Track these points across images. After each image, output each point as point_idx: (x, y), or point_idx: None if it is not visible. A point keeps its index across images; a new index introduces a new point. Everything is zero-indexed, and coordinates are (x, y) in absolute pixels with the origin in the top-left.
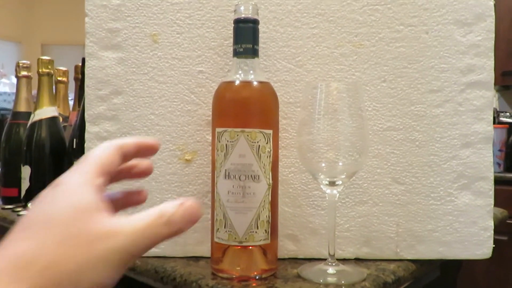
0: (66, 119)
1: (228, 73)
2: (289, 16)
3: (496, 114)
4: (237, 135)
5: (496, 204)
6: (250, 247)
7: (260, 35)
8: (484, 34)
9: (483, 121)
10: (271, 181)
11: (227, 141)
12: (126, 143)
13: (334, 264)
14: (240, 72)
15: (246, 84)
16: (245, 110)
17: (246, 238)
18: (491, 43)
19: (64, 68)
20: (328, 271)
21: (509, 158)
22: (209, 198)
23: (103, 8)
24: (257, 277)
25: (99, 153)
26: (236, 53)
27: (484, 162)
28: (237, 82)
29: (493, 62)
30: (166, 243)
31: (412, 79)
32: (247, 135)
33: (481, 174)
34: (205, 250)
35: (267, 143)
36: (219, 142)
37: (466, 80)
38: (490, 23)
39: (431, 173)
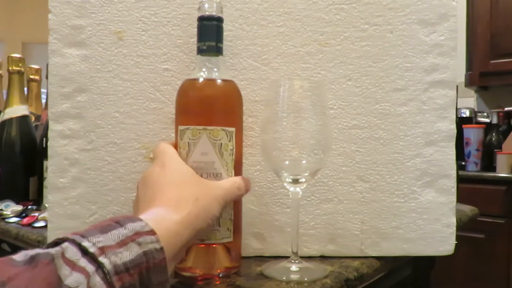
0: (38, 118)
1: (192, 71)
2: (255, 14)
3: (474, 114)
4: (199, 133)
5: (474, 202)
6: (213, 245)
7: (226, 33)
8: (447, 34)
9: (446, 120)
10: None
11: (189, 139)
12: None
13: (297, 261)
14: (204, 69)
15: (210, 82)
16: (207, 108)
17: (208, 236)
18: (454, 43)
19: (36, 66)
20: (291, 269)
21: (486, 158)
22: None
23: (67, 5)
24: (220, 275)
25: None
26: (200, 51)
27: (447, 160)
28: (201, 80)
29: (456, 61)
30: None
31: (377, 77)
32: (209, 133)
33: (444, 172)
34: None
35: (229, 140)
36: (181, 140)
37: (430, 79)
38: (453, 23)
39: (395, 171)
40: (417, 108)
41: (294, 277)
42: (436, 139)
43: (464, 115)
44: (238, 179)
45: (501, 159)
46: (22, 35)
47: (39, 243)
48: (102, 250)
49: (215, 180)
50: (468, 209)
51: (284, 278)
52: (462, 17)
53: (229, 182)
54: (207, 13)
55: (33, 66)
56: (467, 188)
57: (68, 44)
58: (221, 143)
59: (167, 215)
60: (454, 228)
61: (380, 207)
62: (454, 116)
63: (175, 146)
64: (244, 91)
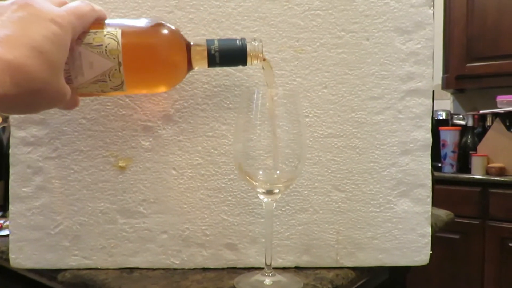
0: (6, 119)
1: None
2: (229, 18)
3: (450, 116)
4: (114, 59)
5: (449, 203)
6: None
7: (198, 37)
8: (423, 42)
9: (422, 129)
10: None
11: (106, 46)
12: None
13: (270, 274)
14: None
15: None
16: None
17: None
18: (430, 51)
19: None
20: (264, 282)
21: (462, 159)
22: (144, 206)
23: None
24: None
25: None
26: None
27: (423, 170)
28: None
29: (431, 70)
30: (97, 254)
31: (353, 85)
32: (115, 70)
33: (420, 181)
34: (139, 261)
35: (111, 88)
36: (103, 35)
37: (406, 87)
38: (429, 31)
39: (371, 180)
40: (393, 117)
41: None
42: (412, 148)
43: (441, 117)
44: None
45: (476, 161)
46: None
47: (2, 253)
48: None
49: None
50: (444, 213)
51: None
52: (439, 21)
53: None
54: None
55: None
56: (443, 189)
57: None
58: (106, 82)
59: None
60: (430, 238)
61: (355, 217)
62: (430, 125)
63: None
64: (217, 98)
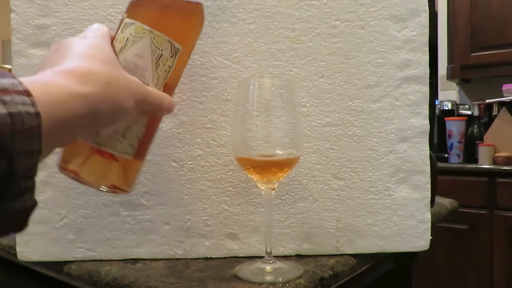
0: None
1: None
2: (225, 11)
3: (456, 106)
4: (144, 33)
5: (456, 194)
6: (108, 156)
7: None
8: (418, 29)
9: (419, 115)
10: None
11: (131, 34)
12: None
13: (271, 261)
14: None
15: None
16: (164, 10)
17: (106, 143)
18: (425, 38)
19: (9, 66)
20: (265, 269)
21: (468, 150)
22: (146, 198)
23: (30, 3)
24: (103, 189)
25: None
26: None
27: (421, 156)
28: None
29: (427, 57)
30: (102, 246)
31: (349, 74)
32: (154, 38)
33: (418, 167)
34: (142, 252)
35: (171, 56)
36: (122, 33)
37: (402, 75)
38: (424, 18)
39: (369, 168)
40: (390, 104)
41: (268, 278)
42: (409, 135)
43: (446, 108)
44: (165, 94)
45: (482, 151)
46: (1, 34)
47: (11, 249)
48: None
49: None
50: (447, 202)
51: (258, 279)
52: (443, 11)
53: (154, 89)
54: None
55: (6, 66)
56: (449, 180)
57: (32, 44)
58: (162, 54)
59: (65, 85)
60: (429, 224)
61: (355, 205)
62: (427, 112)
63: (112, 39)
64: (215, 90)
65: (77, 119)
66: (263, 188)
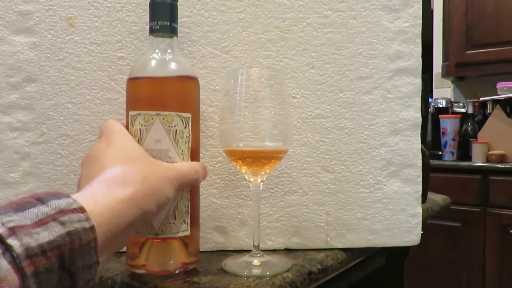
0: None
1: (145, 52)
2: (214, 0)
3: (450, 104)
4: (152, 119)
5: (450, 192)
6: (169, 240)
7: (183, 19)
8: (411, 20)
9: (411, 108)
10: None
11: (141, 125)
12: None
13: (259, 255)
14: (156, 51)
15: (163, 63)
16: (160, 91)
17: (162, 230)
18: (418, 30)
19: None
20: (252, 263)
21: (462, 147)
22: None
23: None
24: (177, 271)
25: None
26: (152, 31)
27: (412, 149)
28: (153, 62)
29: (420, 49)
30: None
31: (341, 65)
32: (163, 119)
33: (409, 161)
34: None
35: (185, 127)
36: (133, 126)
37: (394, 66)
38: (417, 9)
39: (360, 161)
40: (381, 97)
41: (255, 271)
42: (401, 128)
43: (441, 105)
44: (195, 162)
45: (476, 148)
46: None
47: None
48: (13, 230)
49: None
50: (440, 198)
51: (245, 273)
52: (439, 9)
53: (185, 165)
54: None
55: None
56: (443, 177)
57: (15, 31)
58: (176, 130)
59: (109, 192)
60: (420, 218)
61: (345, 198)
62: (419, 105)
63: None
64: (203, 80)
65: (127, 220)
66: (251, 180)
